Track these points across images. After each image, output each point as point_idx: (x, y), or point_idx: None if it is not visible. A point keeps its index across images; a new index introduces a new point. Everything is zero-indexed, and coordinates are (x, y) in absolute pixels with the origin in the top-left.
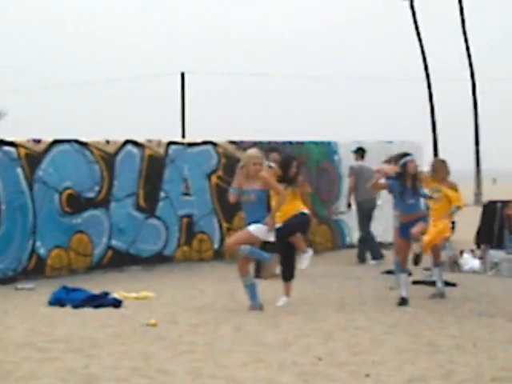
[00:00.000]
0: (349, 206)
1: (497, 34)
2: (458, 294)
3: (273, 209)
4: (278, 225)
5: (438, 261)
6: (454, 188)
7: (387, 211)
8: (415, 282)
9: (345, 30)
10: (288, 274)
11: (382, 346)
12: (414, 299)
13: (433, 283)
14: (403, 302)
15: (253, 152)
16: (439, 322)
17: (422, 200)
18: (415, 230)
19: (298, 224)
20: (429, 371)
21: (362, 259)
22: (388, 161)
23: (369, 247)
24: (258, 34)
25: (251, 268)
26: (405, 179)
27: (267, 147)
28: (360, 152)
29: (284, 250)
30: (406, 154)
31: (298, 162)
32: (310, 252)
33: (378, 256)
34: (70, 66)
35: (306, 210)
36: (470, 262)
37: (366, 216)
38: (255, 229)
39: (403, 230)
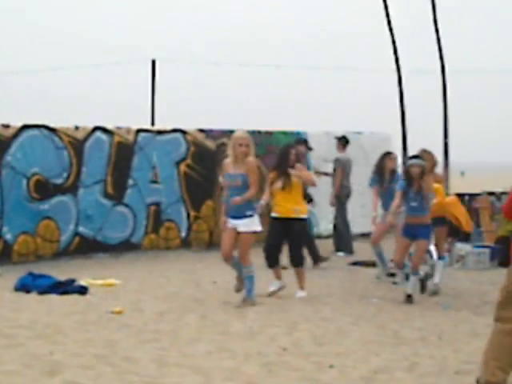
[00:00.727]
0: (332, 204)
1: (467, 27)
2: None
3: (247, 194)
4: (275, 214)
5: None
6: (438, 181)
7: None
8: (389, 274)
9: (318, 21)
10: (271, 263)
11: (347, 337)
12: (379, 291)
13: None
14: (409, 298)
15: (239, 133)
16: (404, 315)
17: (426, 203)
18: (415, 261)
19: (299, 238)
20: (393, 363)
21: (340, 247)
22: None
23: (342, 238)
24: (231, 21)
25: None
26: (411, 181)
27: (295, 139)
28: (343, 141)
29: (271, 240)
30: (413, 157)
31: (297, 151)
32: (305, 293)
33: (347, 250)
34: (40, 52)
35: (303, 215)
36: (436, 254)
37: (344, 207)
38: (247, 227)
39: (406, 230)
